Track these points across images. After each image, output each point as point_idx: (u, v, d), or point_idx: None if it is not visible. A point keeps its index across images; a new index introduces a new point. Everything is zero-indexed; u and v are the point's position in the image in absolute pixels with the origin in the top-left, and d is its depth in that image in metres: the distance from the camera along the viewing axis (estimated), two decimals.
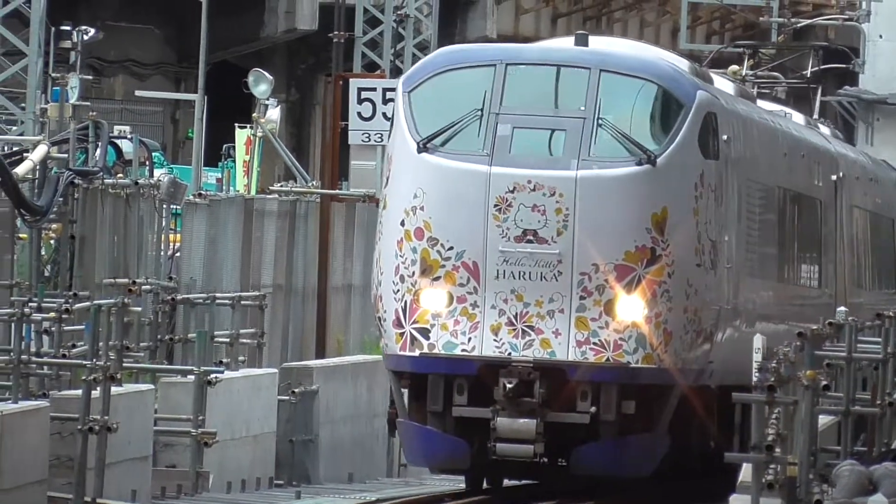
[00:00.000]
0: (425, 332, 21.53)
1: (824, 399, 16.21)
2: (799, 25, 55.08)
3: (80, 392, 22.06)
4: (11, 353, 22.31)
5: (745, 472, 15.58)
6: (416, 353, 21.55)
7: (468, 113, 21.70)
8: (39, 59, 39.03)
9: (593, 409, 21.18)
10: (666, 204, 21.51)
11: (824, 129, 33.14)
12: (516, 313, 21.30)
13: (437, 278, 21.50)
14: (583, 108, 21.56)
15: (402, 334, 21.61)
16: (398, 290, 21.71)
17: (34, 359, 23.00)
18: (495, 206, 21.21)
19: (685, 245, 21.75)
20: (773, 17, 53.01)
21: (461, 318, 21.43)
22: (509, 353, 21.29)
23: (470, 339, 21.39)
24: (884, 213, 35.14)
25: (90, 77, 51.23)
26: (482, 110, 21.61)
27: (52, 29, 44.87)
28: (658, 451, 21.78)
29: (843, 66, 51.88)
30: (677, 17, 64.90)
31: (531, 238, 21.17)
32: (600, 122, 21.44)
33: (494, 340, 21.35)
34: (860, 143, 47.60)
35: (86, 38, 48.87)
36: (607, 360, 21.27)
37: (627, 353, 21.31)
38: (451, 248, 21.40)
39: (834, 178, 29.63)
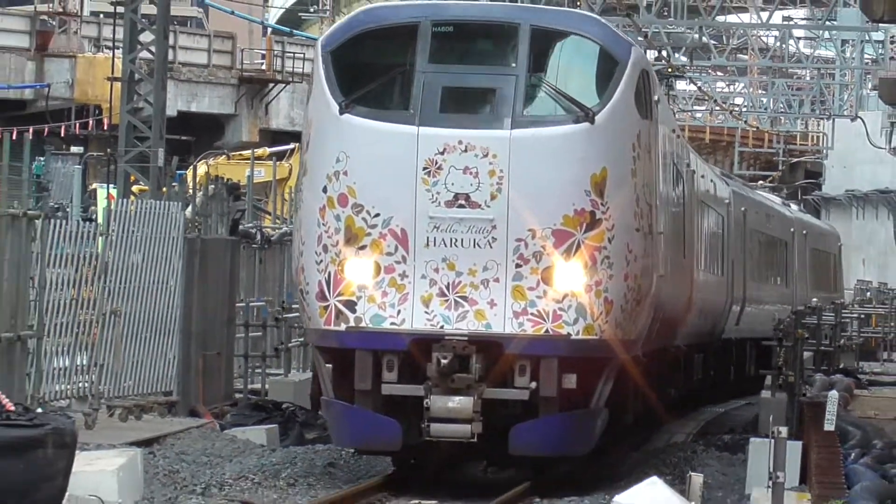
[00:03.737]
0: (351, 305, 19.87)
1: (806, 344, 28.18)
2: (792, 161, 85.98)
3: None
4: None
5: (767, 380, 28.94)
6: (342, 327, 19.86)
7: (393, 72, 20.23)
8: None
9: (533, 384, 19.60)
10: (605, 164, 19.96)
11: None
12: (448, 283, 19.72)
13: (363, 247, 19.87)
14: (514, 64, 20.05)
15: (326, 307, 19.93)
16: (321, 261, 20.02)
17: None
18: (424, 168, 19.65)
19: (625, 208, 20.23)
20: (779, 157, 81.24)
21: (389, 290, 19.81)
22: (442, 326, 19.70)
23: (399, 311, 19.77)
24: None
25: None
26: (408, 68, 20.06)
27: None
28: (598, 426, 20.29)
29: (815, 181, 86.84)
30: None
31: (463, 202, 19.62)
32: (533, 79, 19.97)
33: (426, 313, 19.75)
34: (823, 217, 78.38)
35: None
36: (546, 331, 19.69)
37: (567, 325, 19.72)
38: (377, 215, 19.79)
39: (791, 229, 48.17)
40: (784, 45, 67.29)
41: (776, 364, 27.40)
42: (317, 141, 20.45)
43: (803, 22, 68.84)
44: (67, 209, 48.06)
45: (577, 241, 19.80)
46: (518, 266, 19.71)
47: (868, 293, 66.86)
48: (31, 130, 52.40)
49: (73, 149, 64.34)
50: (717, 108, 77.34)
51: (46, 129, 63.24)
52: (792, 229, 47.47)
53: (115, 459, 17.70)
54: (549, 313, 19.73)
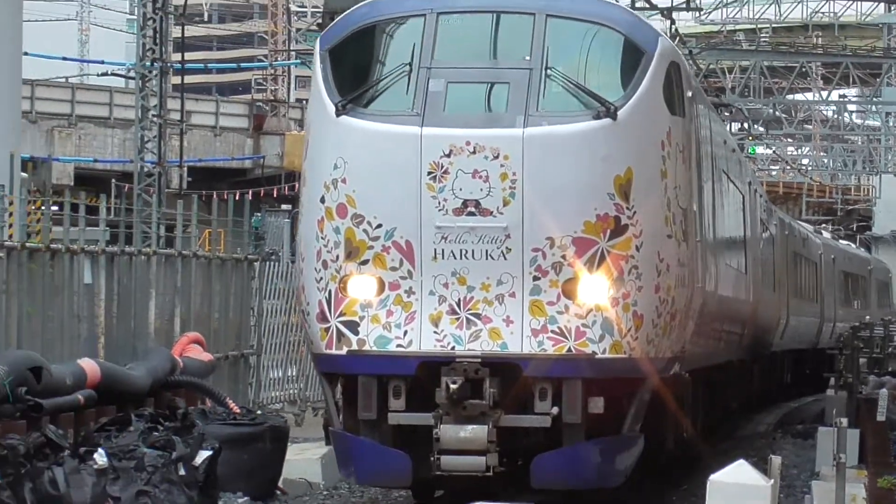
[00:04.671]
0: (353, 326, 12.71)
1: (861, 352, 24.20)
2: (848, 209, 76.47)
3: None
4: None
5: (831, 381, 25.88)
6: (344, 350, 12.73)
7: (395, 69, 12.93)
8: None
9: (555, 409, 12.38)
10: (630, 164, 12.63)
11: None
12: (459, 299, 12.51)
13: (365, 262, 12.67)
14: (528, 57, 12.76)
15: (327, 329, 12.79)
16: (321, 279, 12.83)
17: None
18: (429, 173, 12.44)
19: (654, 213, 12.91)
20: (837, 205, 74.09)
21: (395, 308, 12.62)
22: (453, 347, 12.49)
23: (406, 332, 12.58)
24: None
25: None
26: (411, 65, 12.80)
27: None
28: (632, 454, 12.88)
29: (866, 223, 77.30)
30: None
31: (473, 210, 12.38)
32: (549, 72, 12.60)
33: (435, 333, 12.53)
34: (873, 252, 67.34)
35: None
36: (569, 350, 12.43)
37: (592, 342, 12.44)
38: (379, 226, 12.63)
39: (820, 251, 37.24)
40: (840, 117, 66.55)
41: (838, 368, 26.16)
42: (314, 147, 13.23)
43: (855, 98, 62.09)
44: (279, 253, 44.02)
45: (601, 249, 12.51)
46: (536, 279, 12.48)
47: None
48: (250, 193, 48.19)
49: (283, 206, 60.11)
50: (788, 167, 72.98)
51: (262, 192, 59.10)
52: (820, 252, 37.08)
53: (318, 450, 16.91)
54: (571, 330, 12.46)
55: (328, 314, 12.80)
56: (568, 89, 12.67)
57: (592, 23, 13.11)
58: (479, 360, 12.29)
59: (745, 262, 20.33)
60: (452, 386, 12.12)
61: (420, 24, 13.03)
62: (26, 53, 34.96)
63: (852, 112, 67.70)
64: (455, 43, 13.05)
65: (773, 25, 52.41)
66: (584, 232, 12.48)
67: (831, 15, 53.90)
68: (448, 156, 12.44)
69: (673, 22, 25.62)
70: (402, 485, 13.43)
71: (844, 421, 12.64)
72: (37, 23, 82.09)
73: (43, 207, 19.31)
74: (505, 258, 12.46)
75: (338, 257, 12.77)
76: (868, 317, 34.15)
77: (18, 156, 25.78)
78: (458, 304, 12.55)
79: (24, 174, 30.84)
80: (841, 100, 60.96)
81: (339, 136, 12.90)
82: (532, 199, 12.36)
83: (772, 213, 27.32)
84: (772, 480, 8.82)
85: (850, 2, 45.85)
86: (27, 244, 15.91)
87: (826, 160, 71.16)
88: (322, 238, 12.85)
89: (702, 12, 46.07)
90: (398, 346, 12.61)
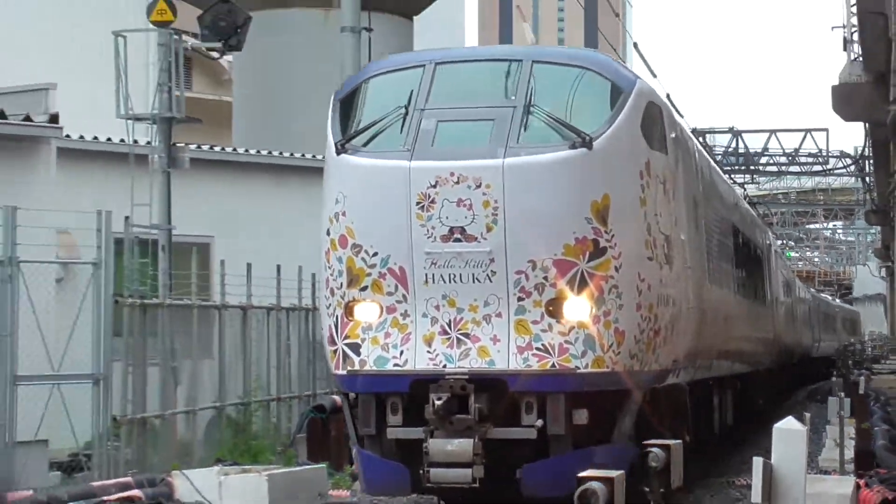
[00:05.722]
0: (356, 348, 13.67)
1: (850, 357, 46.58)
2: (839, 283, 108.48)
3: None
4: None
5: (835, 373, 40.98)
6: (346, 370, 13.71)
7: (392, 112, 13.98)
8: None
9: (540, 422, 13.17)
10: (607, 191, 13.50)
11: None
12: (450, 321, 13.38)
13: (364, 288, 13.64)
14: (513, 97, 13.79)
15: (335, 352, 13.80)
16: (330, 305, 13.89)
17: None
18: (417, 203, 13.37)
19: (633, 236, 13.77)
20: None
21: (392, 330, 13.54)
22: (444, 366, 13.32)
23: (402, 352, 13.47)
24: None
25: None
26: (408, 108, 13.88)
27: None
28: (621, 462, 13.39)
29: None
30: None
31: (459, 236, 13.27)
32: (531, 109, 13.62)
33: (428, 352, 13.41)
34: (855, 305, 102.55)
35: None
36: (552, 366, 13.24)
37: (575, 358, 13.26)
38: (375, 254, 13.58)
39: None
40: (834, 235, 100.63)
41: (837, 366, 45.05)
42: (324, 185, 14.33)
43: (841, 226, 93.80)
44: None
45: (581, 270, 13.35)
46: (520, 299, 13.32)
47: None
48: None
49: None
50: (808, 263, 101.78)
51: None
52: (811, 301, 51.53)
53: None
54: (555, 347, 13.29)
55: (336, 337, 13.80)
56: (548, 124, 13.57)
57: (575, 66, 14.18)
58: (467, 377, 13.09)
59: (767, 299, 27.34)
60: (437, 402, 12.89)
61: (420, 73, 14.13)
62: None
63: (839, 232, 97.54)
64: (449, 88, 14.06)
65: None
66: (565, 254, 13.32)
67: (827, 185, 74.37)
68: (434, 186, 13.35)
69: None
70: (403, 493, 14.15)
71: (842, 394, 19.55)
72: None
73: None
74: (490, 280, 13.31)
75: (342, 285, 13.75)
76: (838, 342, 59.60)
77: None
78: (449, 325, 13.39)
79: None
80: (833, 227, 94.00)
81: (339, 173, 13.97)
82: (513, 225, 13.23)
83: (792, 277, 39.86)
84: (806, 426, 10.77)
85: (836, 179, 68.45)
86: None
87: (827, 259, 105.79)
88: (329, 268, 13.91)
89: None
90: (395, 365, 13.46)
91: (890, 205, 35.87)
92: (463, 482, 12.89)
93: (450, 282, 13.35)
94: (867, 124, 28.49)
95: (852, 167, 53.09)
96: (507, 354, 13.28)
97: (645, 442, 13.05)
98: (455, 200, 13.31)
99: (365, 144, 13.97)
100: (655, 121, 14.59)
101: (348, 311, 13.74)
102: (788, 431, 10.40)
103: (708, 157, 20.70)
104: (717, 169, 21.93)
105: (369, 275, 13.61)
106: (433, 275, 13.37)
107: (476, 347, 13.33)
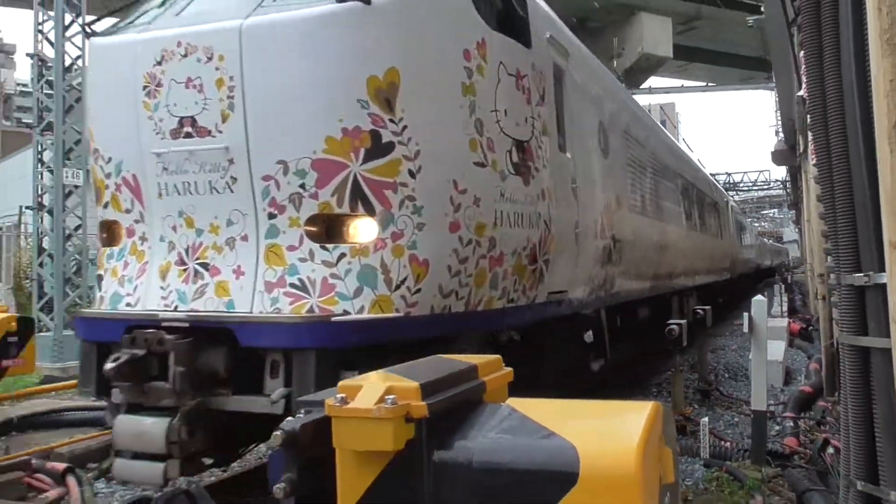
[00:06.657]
0: (99, 281, 10.17)
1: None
2: None
3: None
4: None
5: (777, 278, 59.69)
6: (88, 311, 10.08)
7: None
8: None
9: (282, 390, 8.90)
10: (395, 64, 9.22)
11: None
12: (188, 246, 9.60)
13: (107, 205, 10.10)
14: None
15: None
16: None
17: None
18: (144, 87, 9.64)
19: (445, 131, 9.45)
20: None
21: (131, 259, 9.89)
22: (176, 307, 9.53)
23: (136, 287, 9.77)
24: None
25: None
26: None
27: None
28: None
29: None
30: None
31: (189, 129, 9.45)
32: None
33: (161, 288, 9.65)
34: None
35: None
36: (310, 309, 9.10)
37: (343, 298, 9.08)
38: (110, 160, 9.96)
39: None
40: None
41: (777, 272, 64.58)
42: None
43: None
44: None
45: (354, 174, 9.17)
46: (272, 217, 9.30)
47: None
48: None
49: None
50: None
51: None
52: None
53: None
54: (315, 283, 9.19)
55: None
56: None
57: None
58: (186, 323, 9.17)
59: (723, 235, 31.28)
60: (111, 364, 8.96)
61: None
62: None
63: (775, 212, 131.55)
64: None
65: None
66: (327, 152, 9.17)
67: (769, 194, 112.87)
68: (160, 63, 9.63)
69: None
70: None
71: (780, 284, 37.34)
72: None
73: None
74: (231, 190, 9.40)
75: (94, 202, 10.43)
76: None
77: None
78: (187, 252, 9.66)
79: None
80: (773, 212, 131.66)
81: (89, 63, 10.45)
82: (256, 111, 9.26)
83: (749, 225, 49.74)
84: (766, 298, 13.88)
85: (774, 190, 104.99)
86: None
87: (770, 225, 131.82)
88: (91, 183, 10.65)
89: None
90: (128, 304, 9.83)
91: (798, 202, 55.16)
92: (152, 483, 8.91)
93: (185, 193, 9.60)
94: (788, 166, 47.77)
95: (781, 185, 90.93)
96: (251, 293, 9.34)
97: None
98: (183, 80, 9.53)
99: (125, 26, 10.35)
100: (512, 4, 10.45)
101: (99, 236, 10.36)
102: (758, 300, 13.49)
103: (642, 107, 19.37)
104: (657, 123, 21.88)
105: (108, 188, 10.10)
106: (166, 184, 9.66)
107: (215, 282, 9.48)
